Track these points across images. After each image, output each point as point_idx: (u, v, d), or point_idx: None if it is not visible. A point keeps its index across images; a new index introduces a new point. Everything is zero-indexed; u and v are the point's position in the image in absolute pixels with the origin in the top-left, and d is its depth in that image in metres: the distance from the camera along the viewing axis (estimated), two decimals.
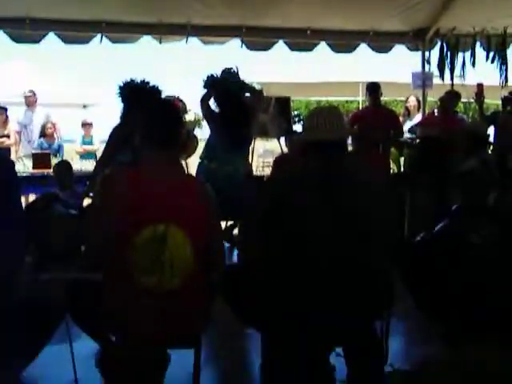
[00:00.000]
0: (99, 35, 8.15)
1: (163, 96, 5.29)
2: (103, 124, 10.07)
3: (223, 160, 5.77)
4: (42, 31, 8.01)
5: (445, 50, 8.81)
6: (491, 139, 6.81)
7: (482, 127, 6.68)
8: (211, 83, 5.99)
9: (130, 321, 2.85)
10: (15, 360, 2.96)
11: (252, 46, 8.69)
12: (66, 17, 7.85)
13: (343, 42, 9.02)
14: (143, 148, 3.09)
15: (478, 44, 8.72)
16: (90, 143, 10.36)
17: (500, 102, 7.93)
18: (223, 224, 6.35)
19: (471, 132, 6.17)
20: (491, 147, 6.68)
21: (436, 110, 8.62)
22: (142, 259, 2.81)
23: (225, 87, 5.94)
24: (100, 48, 8.71)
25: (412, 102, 9.62)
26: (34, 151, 8.82)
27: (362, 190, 3.02)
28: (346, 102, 21.31)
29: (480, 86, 7.63)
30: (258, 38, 8.70)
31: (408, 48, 9.29)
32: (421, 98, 9.38)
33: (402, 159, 8.78)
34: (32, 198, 7.87)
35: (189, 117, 8.16)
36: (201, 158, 6.12)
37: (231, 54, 9.80)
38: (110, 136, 5.16)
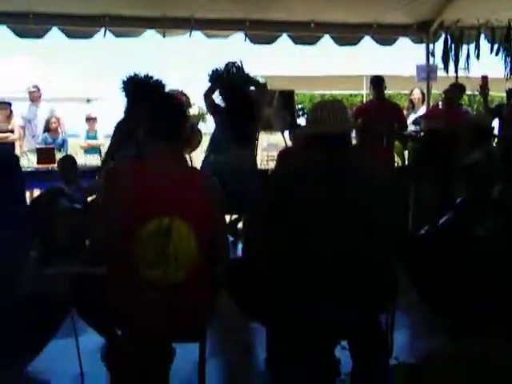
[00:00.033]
0: (103, 29, 8.14)
1: (167, 90, 5.29)
2: (107, 118, 10.09)
3: (229, 154, 5.76)
4: (46, 26, 8.01)
5: (449, 42, 8.77)
6: (496, 132, 6.79)
7: (486, 120, 6.65)
8: (216, 77, 5.99)
9: (135, 314, 2.86)
10: (21, 355, 2.97)
11: (256, 40, 8.68)
12: (69, 11, 7.85)
13: (347, 34, 9.00)
14: (147, 142, 3.09)
15: (482, 36, 8.68)
16: (95, 138, 10.35)
17: (505, 95, 7.90)
18: (228, 218, 6.34)
19: (476, 124, 6.15)
20: (496, 140, 6.65)
21: (440, 103, 8.59)
22: (146, 252, 2.82)
23: (230, 81, 5.94)
24: (104, 42, 8.71)
25: (416, 94, 9.59)
26: (38, 146, 8.82)
27: (366, 184, 3.02)
28: (350, 95, 21.22)
29: (484, 79, 7.60)
30: (262, 32, 8.68)
31: (412, 40, 9.26)
32: (425, 91, 9.35)
33: (406, 152, 8.76)
34: (36, 192, 7.88)
35: (193, 111, 8.15)
36: (206, 151, 6.12)
37: (235, 48, 9.79)
38: (115, 131, 5.16)
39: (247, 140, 6.01)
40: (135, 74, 4.98)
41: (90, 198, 5.88)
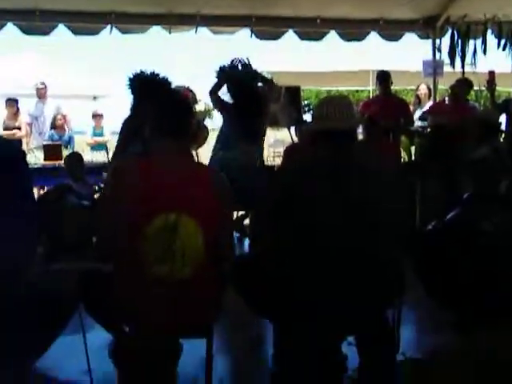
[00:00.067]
0: (109, 26, 8.16)
1: (173, 87, 5.29)
2: (114, 115, 10.11)
3: (237, 150, 5.76)
4: (52, 23, 8.03)
5: (455, 37, 8.75)
6: (503, 127, 6.77)
7: (493, 115, 6.63)
8: (224, 74, 5.99)
9: (142, 310, 2.86)
10: (28, 351, 2.98)
11: (261, 36, 8.68)
12: (75, 8, 7.87)
13: (353, 30, 8.99)
14: (153, 139, 3.09)
15: (489, 31, 8.65)
16: (101, 134, 10.36)
17: None
18: (234, 214, 6.35)
19: (483, 120, 6.14)
20: (503, 135, 6.64)
21: (447, 98, 8.57)
22: (153, 248, 2.82)
23: (238, 77, 5.94)
24: (110, 39, 8.72)
25: (423, 90, 9.56)
26: (45, 143, 8.84)
27: (372, 179, 3.01)
28: (357, 91, 21.21)
29: (491, 74, 7.57)
30: (268, 28, 8.69)
31: (418, 36, 9.24)
32: (432, 86, 9.33)
33: (412, 148, 8.74)
34: (43, 189, 7.90)
35: (199, 107, 8.16)
36: (214, 148, 6.12)
37: (241, 44, 9.79)
38: (122, 129, 5.17)
39: (255, 136, 6.01)
40: (141, 71, 4.97)
41: (97, 195, 5.89)
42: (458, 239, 3.79)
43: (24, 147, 8.92)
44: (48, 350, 3.24)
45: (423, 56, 9.39)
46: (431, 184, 6.32)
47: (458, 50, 8.75)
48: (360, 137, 6.27)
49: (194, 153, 6.90)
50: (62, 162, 7.40)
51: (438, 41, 9.13)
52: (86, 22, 8.15)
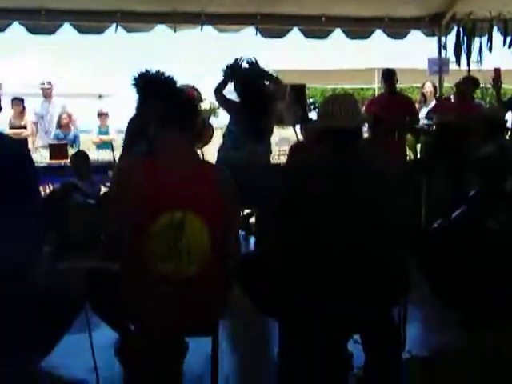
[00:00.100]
0: (114, 25, 8.17)
1: (178, 85, 5.29)
2: (119, 114, 10.12)
3: (244, 148, 5.75)
4: (57, 22, 8.05)
5: (461, 35, 8.73)
6: (509, 125, 6.76)
7: (499, 113, 6.62)
8: (230, 72, 5.98)
9: (148, 309, 2.87)
10: (34, 350, 2.99)
11: (267, 34, 8.68)
12: (80, 7, 7.88)
13: (358, 28, 8.98)
14: (158, 137, 3.10)
15: (494, 29, 8.63)
16: (106, 133, 10.38)
17: None
18: (240, 212, 6.34)
19: (489, 117, 6.12)
20: (509, 133, 6.62)
21: (452, 96, 8.55)
22: (159, 246, 2.83)
23: (244, 76, 5.94)
24: (115, 37, 8.74)
25: (428, 88, 9.54)
26: (50, 142, 8.86)
27: (378, 178, 3.01)
28: (362, 89, 21.19)
29: (497, 71, 7.55)
30: (273, 26, 8.68)
31: (424, 33, 9.22)
32: (437, 84, 9.31)
33: (418, 146, 8.73)
34: (49, 188, 7.92)
35: (204, 105, 8.16)
36: (221, 146, 6.11)
37: (246, 42, 9.80)
38: (127, 129, 5.17)
39: (262, 134, 6.00)
40: (146, 71, 4.97)
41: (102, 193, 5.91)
42: (463, 237, 3.79)
43: (30, 146, 8.94)
44: (54, 348, 3.25)
45: (429, 54, 9.37)
46: (437, 182, 6.31)
47: (464, 47, 8.73)
48: (365, 135, 6.26)
49: (199, 151, 6.91)
50: (68, 160, 7.42)
51: (443, 38, 9.10)
52: (91, 21, 8.17)
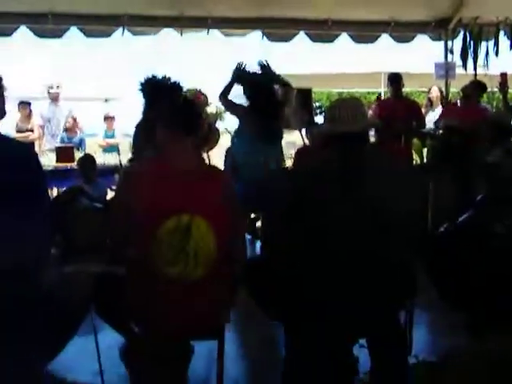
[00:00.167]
0: (121, 28, 8.19)
1: (185, 89, 5.30)
2: (125, 117, 10.14)
3: (258, 153, 5.72)
4: (64, 26, 8.07)
5: (468, 39, 8.71)
6: None
7: (506, 117, 6.59)
8: (238, 76, 5.97)
9: (154, 312, 2.87)
10: (41, 354, 2.99)
11: (273, 38, 8.68)
12: (87, 11, 7.90)
13: (365, 32, 8.97)
14: (164, 142, 3.10)
15: (501, 33, 8.61)
16: (113, 136, 10.40)
17: None
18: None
19: (495, 122, 6.11)
20: None
21: (458, 101, 8.53)
22: (166, 250, 2.83)
23: (256, 80, 5.93)
24: (122, 41, 8.76)
25: (434, 92, 9.52)
26: (57, 145, 8.88)
27: (384, 182, 3.00)
28: (368, 93, 21.19)
29: (504, 76, 7.53)
30: (279, 30, 8.68)
31: (430, 38, 9.20)
32: (443, 89, 9.29)
33: (424, 150, 8.71)
34: (56, 191, 7.94)
35: (210, 109, 8.17)
36: (229, 150, 6.10)
37: (252, 46, 9.79)
38: (135, 134, 5.18)
39: (275, 138, 5.99)
40: (153, 76, 4.99)
41: (109, 197, 5.91)
42: (470, 241, 3.77)
43: (37, 149, 8.96)
44: (60, 351, 3.25)
45: (435, 58, 9.36)
46: (443, 186, 6.29)
47: (470, 51, 8.71)
48: (372, 139, 6.25)
49: (205, 154, 6.91)
50: (74, 164, 7.44)
51: (450, 43, 9.09)
52: (98, 25, 8.18)
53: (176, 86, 4.94)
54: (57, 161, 8.03)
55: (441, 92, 9.38)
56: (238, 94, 6.06)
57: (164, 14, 8.17)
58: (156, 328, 2.91)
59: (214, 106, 8.55)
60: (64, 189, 6.63)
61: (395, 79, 8.02)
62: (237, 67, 5.98)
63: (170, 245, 2.83)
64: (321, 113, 18.31)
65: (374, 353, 3.08)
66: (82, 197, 5.24)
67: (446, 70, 9.04)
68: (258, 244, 6.67)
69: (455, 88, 9.76)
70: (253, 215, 6.98)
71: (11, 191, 2.51)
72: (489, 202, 3.99)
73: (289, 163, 7.81)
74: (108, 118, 10.61)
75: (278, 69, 6.10)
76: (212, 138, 7.03)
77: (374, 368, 3.08)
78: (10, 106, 8.09)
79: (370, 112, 8.19)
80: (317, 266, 2.90)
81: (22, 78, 12.45)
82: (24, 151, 2.77)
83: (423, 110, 8.97)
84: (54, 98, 9.89)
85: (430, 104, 9.57)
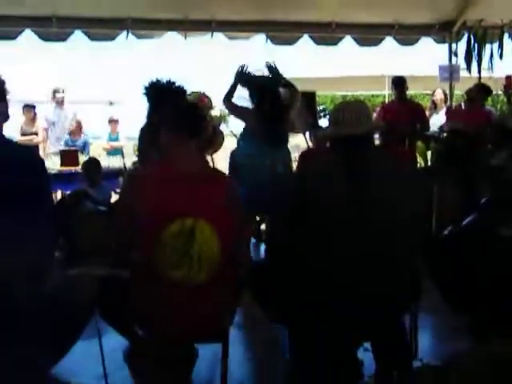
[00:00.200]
0: (125, 32, 8.21)
1: (189, 92, 5.31)
2: (129, 120, 10.16)
3: (265, 156, 5.71)
4: (69, 29, 8.09)
5: (472, 42, 8.70)
6: None
7: (510, 120, 6.59)
8: (246, 79, 5.97)
9: (158, 315, 2.87)
10: (45, 357, 2.99)
11: (277, 41, 8.68)
12: (92, 14, 7.92)
13: (368, 35, 8.97)
14: (168, 145, 3.11)
15: (505, 35, 8.60)
16: (117, 139, 10.43)
17: None
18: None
19: (500, 125, 6.10)
20: None
21: (462, 103, 8.52)
22: (170, 253, 2.83)
23: (263, 83, 5.93)
24: (126, 44, 8.78)
25: (439, 95, 9.51)
26: (61, 149, 8.90)
27: (389, 185, 3.00)
28: (372, 96, 21.20)
29: (508, 79, 7.54)
30: (283, 33, 8.69)
31: (434, 40, 9.19)
32: (448, 91, 9.28)
33: (429, 153, 8.70)
34: (60, 194, 7.95)
35: (214, 112, 8.18)
36: (235, 152, 6.09)
37: (256, 49, 9.80)
38: (140, 138, 5.18)
39: (283, 141, 5.98)
40: (157, 80, 5.00)
41: (113, 201, 5.92)
42: (475, 244, 3.77)
43: (41, 152, 8.98)
44: (65, 355, 3.25)
45: (439, 61, 9.35)
46: (448, 189, 6.28)
47: (475, 54, 8.69)
48: (376, 142, 6.25)
49: (209, 157, 6.92)
50: (78, 167, 7.45)
51: (454, 45, 9.08)
52: (102, 28, 8.21)
53: (180, 90, 4.94)
54: (61, 164, 8.06)
55: (445, 94, 9.37)
56: (239, 95, 6.06)
57: (168, 17, 8.19)
58: (160, 331, 2.91)
59: (218, 108, 8.55)
60: (68, 192, 6.65)
61: (399, 82, 8.02)
62: (239, 69, 5.98)
63: (174, 248, 2.83)
64: (325, 116, 18.32)
65: (379, 356, 3.07)
66: (87, 200, 5.25)
67: (450, 73, 9.03)
68: (263, 247, 6.67)
69: (459, 91, 9.76)
70: (257, 218, 6.98)
71: (15, 194, 2.52)
72: (493, 204, 3.99)
73: (293, 166, 7.81)
74: (112, 121, 10.64)
75: (282, 72, 6.10)
76: (216, 140, 7.03)
77: (379, 371, 3.08)
78: (14, 110, 8.11)
79: (375, 115, 8.19)
80: (321, 268, 2.90)
81: (26, 81, 12.47)
82: (28, 155, 2.77)
83: (427, 113, 8.96)
84: (58, 101, 9.91)
85: (434, 107, 9.56)
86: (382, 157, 3.27)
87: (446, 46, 9.14)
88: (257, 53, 9.31)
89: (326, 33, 8.73)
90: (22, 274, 2.55)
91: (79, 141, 9.58)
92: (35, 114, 9.75)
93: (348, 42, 8.87)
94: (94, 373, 3.36)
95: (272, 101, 5.77)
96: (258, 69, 6.10)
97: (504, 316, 3.52)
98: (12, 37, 8.03)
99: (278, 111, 5.76)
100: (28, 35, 7.97)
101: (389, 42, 8.96)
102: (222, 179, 3.21)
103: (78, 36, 8.13)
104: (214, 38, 8.50)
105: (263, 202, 5.10)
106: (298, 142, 9.24)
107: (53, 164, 8.10)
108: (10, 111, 2.82)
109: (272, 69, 6.00)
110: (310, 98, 8.61)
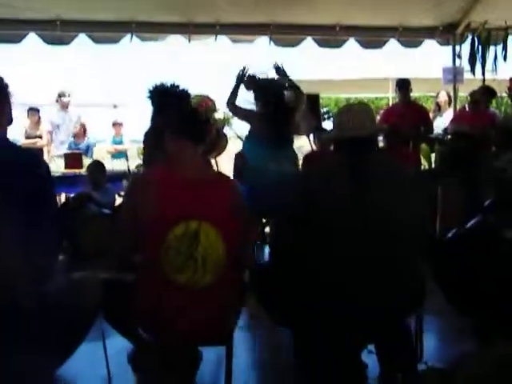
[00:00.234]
0: (129, 35, 8.22)
1: (193, 95, 5.31)
2: (133, 123, 10.19)
3: (264, 157, 5.71)
4: (73, 32, 8.12)
5: (476, 44, 8.68)
6: None
7: None
8: (253, 82, 5.97)
9: (163, 318, 2.87)
10: (50, 360, 2.99)
11: (280, 43, 8.69)
12: (96, 18, 7.95)
13: (372, 37, 8.97)
14: (172, 148, 3.11)
15: (509, 38, 8.58)
16: (121, 142, 10.45)
17: None
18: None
19: (504, 127, 6.09)
20: None
21: (467, 106, 8.51)
22: (174, 256, 2.83)
23: (269, 85, 5.93)
24: (130, 47, 8.80)
25: (443, 97, 9.50)
26: (65, 152, 8.92)
27: (392, 188, 3.00)
28: (376, 98, 21.18)
29: None
30: (287, 35, 8.70)
31: (438, 43, 9.18)
32: (452, 94, 9.27)
33: (433, 155, 8.69)
34: (64, 197, 7.97)
35: (218, 115, 8.18)
36: (240, 155, 6.09)
37: (260, 52, 9.81)
38: (144, 141, 5.19)
39: (289, 144, 5.98)
40: (161, 83, 5.00)
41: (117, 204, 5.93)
42: (479, 247, 3.76)
43: (45, 156, 9.00)
44: (69, 358, 3.25)
45: (443, 63, 9.35)
46: (452, 191, 6.28)
47: (479, 56, 8.67)
48: (380, 144, 6.24)
49: (213, 160, 6.92)
50: (82, 170, 7.47)
51: (458, 47, 9.07)
52: (106, 31, 8.23)
53: (184, 94, 4.95)
54: (65, 167, 8.07)
55: (449, 97, 9.37)
56: (244, 98, 6.06)
57: (172, 20, 8.21)
58: (164, 334, 2.91)
59: (221, 111, 8.56)
60: (72, 195, 6.67)
61: (403, 85, 8.02)
62: (240, 72, 5.99)
63: (179, 251, 2.83)
64: (328, 118, 18.29)
65: (383, 359, 3.07)
66: (91, 203, 5.26)
67: (454, 75, 9.01)
68: (267, 249, 6.66)
69: (463, 93, 9.73)
70: (263, 220, 6.96)
71: (20, 198, 2.52)
72: (497, 207, 3.98)
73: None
74: (116, 124, 10.67)
75: (289, 73, 6.10)
76: (220, 143, 7.03)
77: (383, 374, 3.07)
78: (18, 113, 8.13)
79: (379, 117, 8.18)
80: (325, 271, 2.90)
81: (30, 85, 12.49)
82: (32, 158, 2.78)
83: (431, 115, 8.96)
84: (63, 104, 9.93)
85: (438, 109, 9.55)
86: (385, 159, 3.27)
87: (450, 48, 9.13)
88: (260, 55, 9.33)
89: (330, 35, 8.73)
90: (26, 277, 2.56)
91: (83, 144, 9.59)
92: (39, 117, 9.77)
93: (352, 44, 8.88)
94: (99, 376, 3.37)
95: (277, 103, 5.77)
96: (263, 71, 6.11)
97: (509, 318, 3.51)
98: (16, 40, 8.05)
99: (283, 113, 5.76)
100: (32, 38, 8.00)
101: (392, 44, 8.96)
102: (226, 182, 3.21)
103: (82, 39, 8.16)
104: (218, 41, 8.53)
105: (268, 205, 5.10)
106: (302, 144, 9.25)
107: (57, 167, 8.12)
108: (14, 114, 2.83)
109: (279, 70, 6.01)
110: (313, 100, 8.60)
